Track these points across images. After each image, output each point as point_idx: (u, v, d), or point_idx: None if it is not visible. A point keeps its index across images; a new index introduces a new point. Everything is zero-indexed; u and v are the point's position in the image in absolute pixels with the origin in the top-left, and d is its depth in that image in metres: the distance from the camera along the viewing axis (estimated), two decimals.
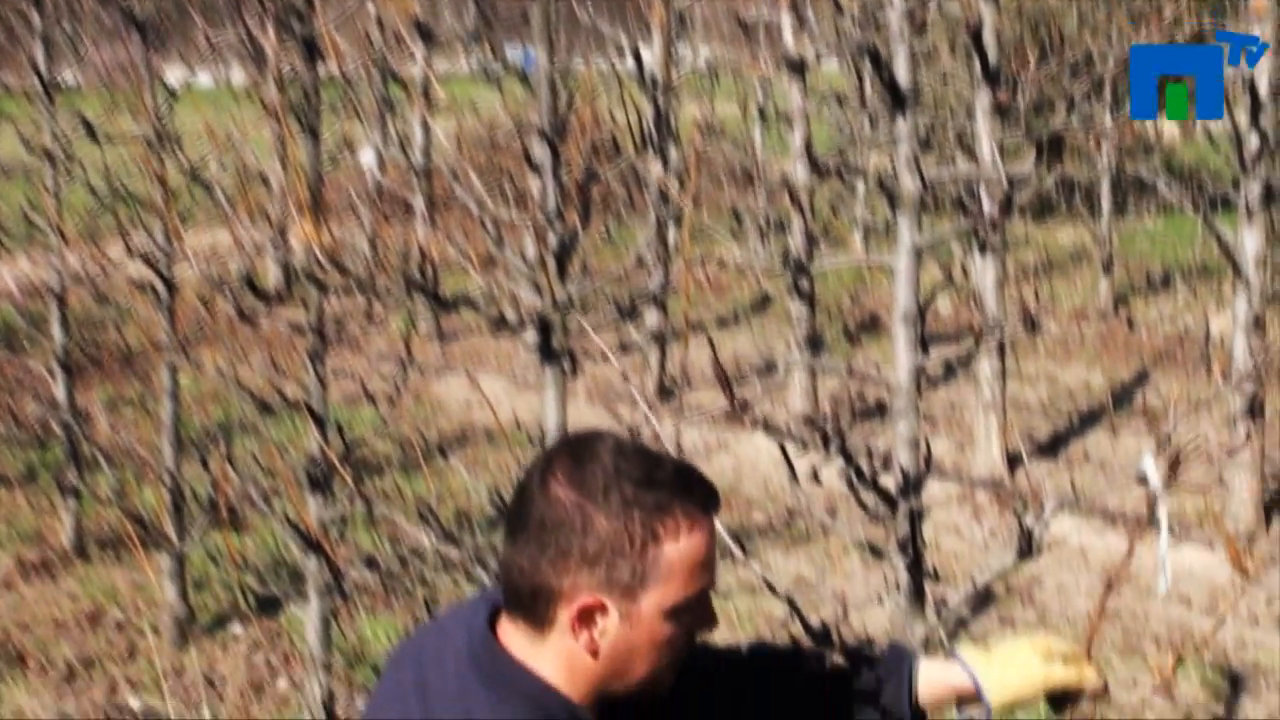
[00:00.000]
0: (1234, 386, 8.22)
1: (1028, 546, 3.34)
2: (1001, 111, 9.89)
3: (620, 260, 13.39)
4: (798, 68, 11.14)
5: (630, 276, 12.91)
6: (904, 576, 3.44)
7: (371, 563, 5.66)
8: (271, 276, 14.00)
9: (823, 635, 3.17)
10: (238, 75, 19.55)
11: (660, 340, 11.95)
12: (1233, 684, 7.05)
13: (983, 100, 9.62)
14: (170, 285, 7.34)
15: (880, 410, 11.07)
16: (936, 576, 3.59)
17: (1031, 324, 12.62)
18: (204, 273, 6.00)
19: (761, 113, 18.56)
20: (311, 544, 5.62)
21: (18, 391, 11.39)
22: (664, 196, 11.70)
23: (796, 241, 10.95)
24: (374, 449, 9.99)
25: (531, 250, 4.62)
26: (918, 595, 3.44)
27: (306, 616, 6.25)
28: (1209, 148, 12.66)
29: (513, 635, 2.24)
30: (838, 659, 2.65)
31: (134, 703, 6.94)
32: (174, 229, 7.19)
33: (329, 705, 5.98)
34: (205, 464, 6.32)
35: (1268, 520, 8.77)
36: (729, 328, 14.27)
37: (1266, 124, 8.40)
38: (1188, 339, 12.90)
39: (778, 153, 17.52)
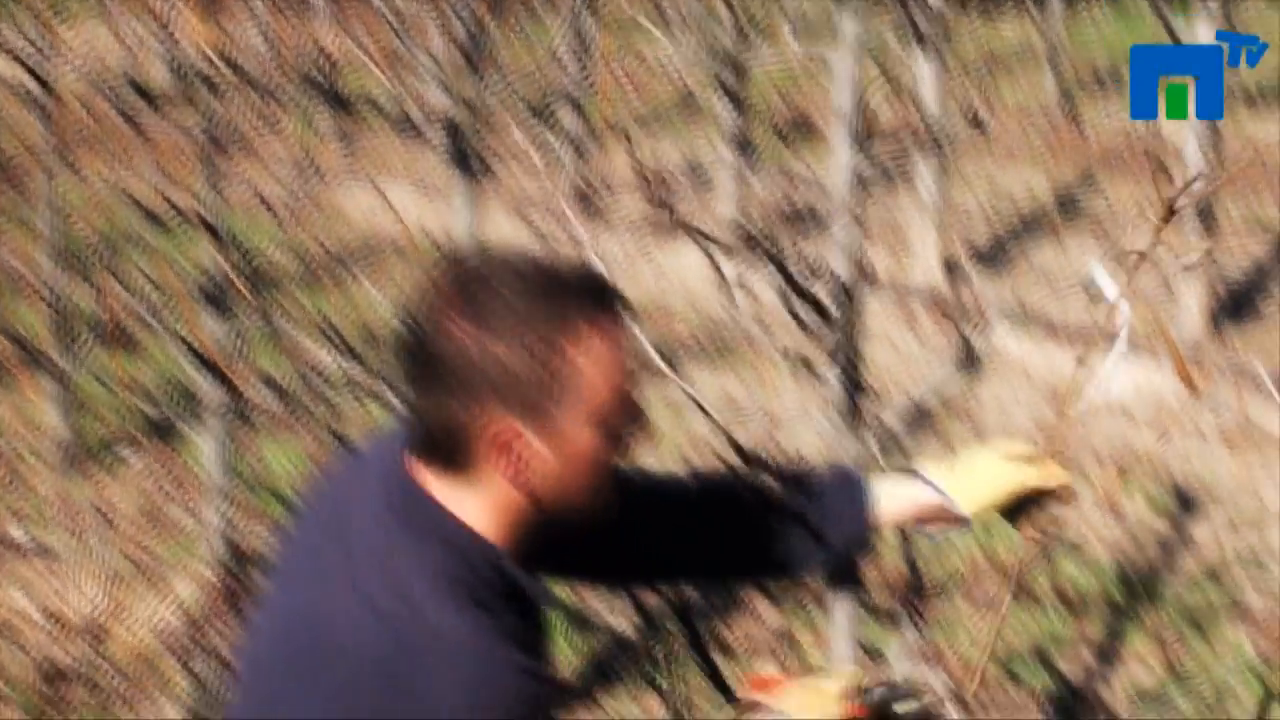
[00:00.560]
0: (1183, 189, 8.26)
1: (968, 358, 3.35)
2: None
3: (534, 56, 13.21)
4: None
5: (544, 73, 12.75)
6: (837, 392, 3.44)
7: (271, 383, 5.64)
8: (158, 76, 13.73)
9: (755, 458, 3.18)
10: None
11: (577, 144, 11.85)
12: (1180, 501, 7.19)
13: None
14: (45, 85, 7.17)
15: (813, 217, 11.06)
16: (871, 392, 3.60)
17: (975, 122, 12.60)
18: (83, 72, 5.87)
19: None
20: (207, 364, 5.60)
21: None
22: None
23: (725, 34, 10.83)
24: (272, 262, 9.90)
25: (439, 46, 4.55)
26: (852, 412, 3.45)
27: (203, 441, 6.24)
28: None
29: (433, 481, 2.21)
30: (779, 484, 2.63)
31: (18, 534, 6.92)
32: (47, 23, 7.01)
33: (228, 534, 6.00)
34: (90, 280, 6.24)
35: (1217, 332, 8.88)
36: (651, 129, 14.16)
37: None
38: (1137, 140, 12.94)
39: None
